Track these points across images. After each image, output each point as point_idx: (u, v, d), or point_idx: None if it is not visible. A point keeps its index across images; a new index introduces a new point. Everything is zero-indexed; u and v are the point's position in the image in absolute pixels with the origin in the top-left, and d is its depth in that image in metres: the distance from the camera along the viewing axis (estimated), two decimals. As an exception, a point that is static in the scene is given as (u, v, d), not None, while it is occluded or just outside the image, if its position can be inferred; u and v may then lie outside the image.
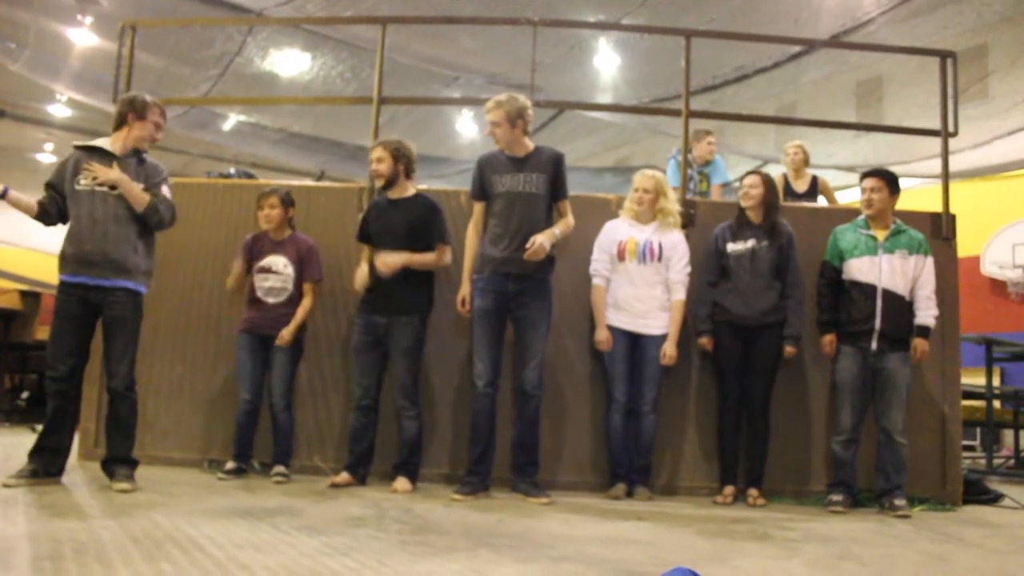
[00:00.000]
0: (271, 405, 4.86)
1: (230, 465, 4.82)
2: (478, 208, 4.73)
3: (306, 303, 4.96)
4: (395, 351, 4.69)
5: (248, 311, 4.97)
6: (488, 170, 4.67)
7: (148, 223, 4.25)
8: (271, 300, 4.92)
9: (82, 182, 4.19)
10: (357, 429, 4.77)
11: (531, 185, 4.61)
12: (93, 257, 4.11)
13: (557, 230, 4.60)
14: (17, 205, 4.25)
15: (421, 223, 4.76)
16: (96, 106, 11.46)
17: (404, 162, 4.82)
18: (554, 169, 4.67)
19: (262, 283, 4.94)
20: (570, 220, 4.71)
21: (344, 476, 4.71)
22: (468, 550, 3.02)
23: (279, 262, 4.95)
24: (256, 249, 5.01)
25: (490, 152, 4.80)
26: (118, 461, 4.18)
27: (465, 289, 4.65)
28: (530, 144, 4.71)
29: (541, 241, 4.43)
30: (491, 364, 4.56)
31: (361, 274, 4.78)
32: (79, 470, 4.66)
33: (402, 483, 4.60)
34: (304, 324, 4.97)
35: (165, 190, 4.31)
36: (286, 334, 4.84)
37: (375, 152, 4.82)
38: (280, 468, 4.78)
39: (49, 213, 4.28)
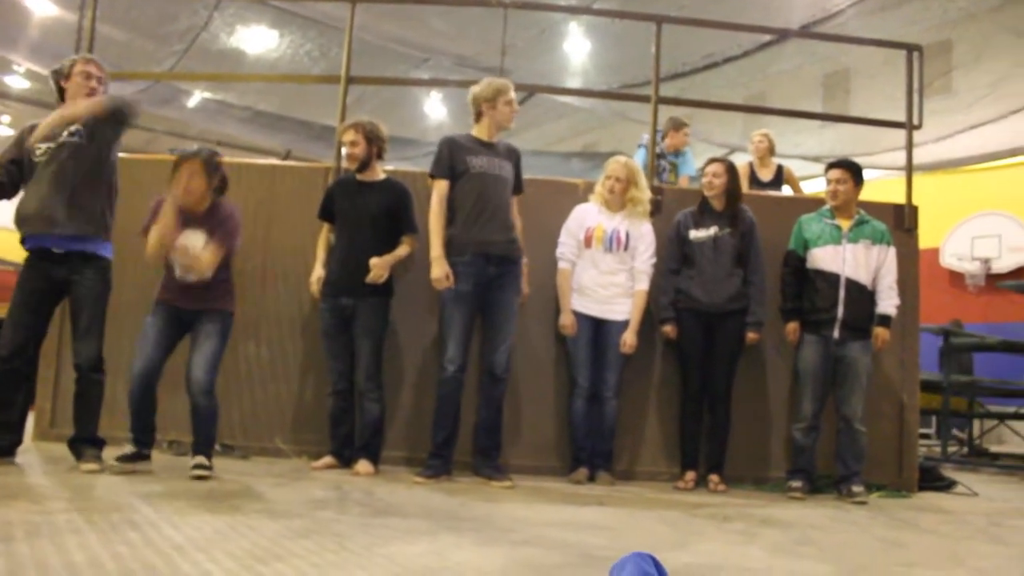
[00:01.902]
0: (188, 383, 4.11)
1: (127, 449, 4.17)
2: (443, 185, 4.57)
3: (206, 260, 4.07)
4: (361, 332, 4.66)
5: (165, 284, 4.24)
6: (459, 150, 4.60)
7: (119, 120, 4.13)
8: (190, 278, 4.15)
9: (38, 153, 4.09)
10: (337, 413, 4.75)
11: (504, 170, 4.62)
12: (56, 216, 4.01)
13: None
14: None
15: (394, 208, 4.73)
16: (56, 78, 11.22)
17: (377, 144, 4.79)
18: (516, 161, 4.73)
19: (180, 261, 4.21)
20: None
21: (327, 460, 4.70)
22: (429, 533, 3.01)
23: (197, 240, 4.12)
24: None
25: (456, 133, 4.78)
26: (85, 441, 4.10)
27: (444, 265, 4.46)
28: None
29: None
30: (463, 348, 4.53)
31: (316, 279, 4.79)
32: (33, 451, 4.58)
33: (364, 466, 4.58)
34: (233, 298, 4.32)
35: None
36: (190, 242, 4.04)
37: (348, 135, 4.76)
38: (200, 459, 4.08)
39: (3, 184, 4.16)
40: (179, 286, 4.16)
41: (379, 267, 4.58)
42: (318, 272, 4.82)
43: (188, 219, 4.14)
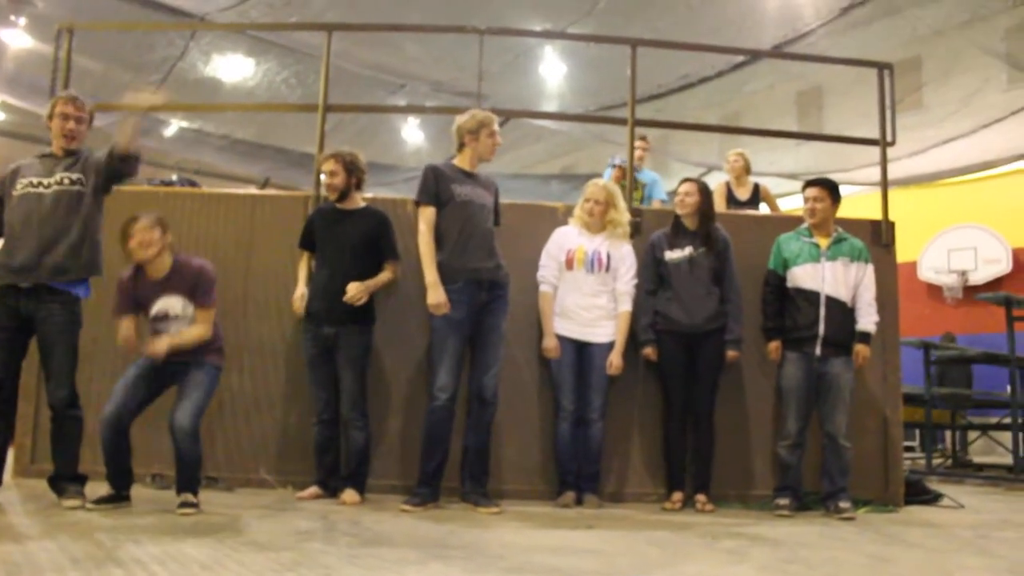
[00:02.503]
0: (172, 427, 3.94)
1: (102, 492, 4.02)
2: (430, 212, 4.56)
3: (196, 331, 4.05)
4: (343, 361, 4.64)
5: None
6: (444, 178, 4.62)
7: (128, 171, 4.16)
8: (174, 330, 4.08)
9: (18, 187, 4.08)
10: (322, 442, 4.72)
11: (486, 200, 4.66)
12: (28, 263, 3.98)
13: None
14: None
15: (374, 236, 4.74)
16: (31, 110, 11.16)
17: (356, 175, 4.79)
18: (495, 192, 4.78)
19: (163, 330, 4.08)
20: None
21: (313, 490, 4.67)
22: (419, 562, 2.99)
23: (175, 305, 4.08)
24: (139, 294, 4.12)
25: (440, 163, 4.80)
26: (66, 478, 4.05)
27: (440, 292, 4.42)
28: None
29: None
30: (455, 376, 4.49)
31: (299, 296, 4.79)
32: (14, 488, 4.51)
33: (350, 495, 4.54)
34: (222, 355, 4.25)
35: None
36: (159, 347, 3.95)
37: (328, 165, 4.76)
38: (187, 496, 3.96)
39: None
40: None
41: (357, 289, 4.57)
42: (301, 290, 4.82)
43: (159, 287, 4.09)
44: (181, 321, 4.09)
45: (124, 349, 4.13)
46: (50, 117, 4.19)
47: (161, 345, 3.97)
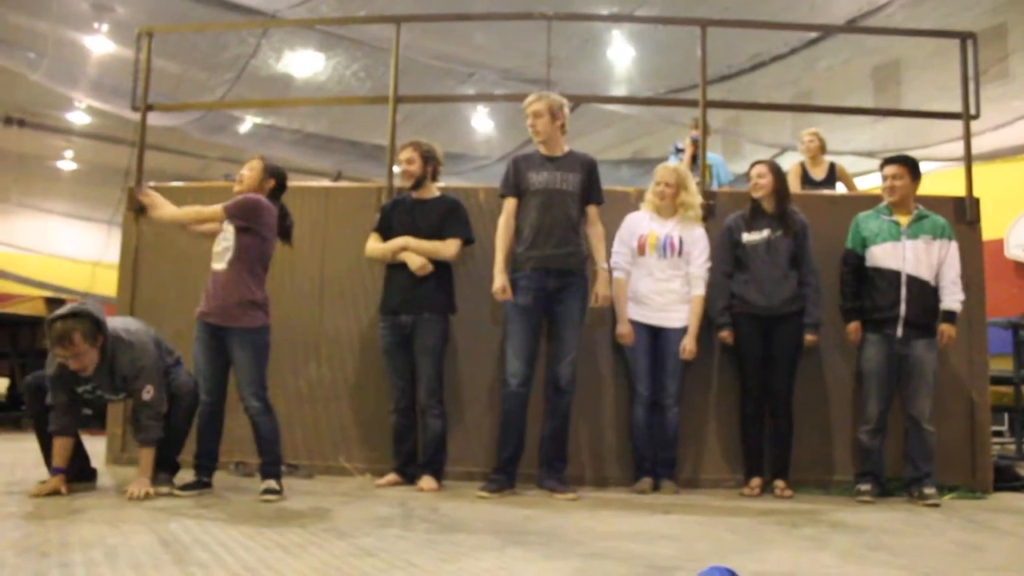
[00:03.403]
0: (246, 409, 4.17)
1: (188, 479, 4.20)
2: (511, 203, 4.68)
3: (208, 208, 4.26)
4: (420, 349, 4.70)
5: (203, 298, 4.26)
6: (524, 167, 4.67)
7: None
8: (218, 266, 4.21)
9: None
10: (400, 431, 4.80)
11: (567, 183, 4.63)
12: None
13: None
14: None
15: (447, 222, 4.80)
16: (114, 112, 11.56)
17: (433, 164, 4.88)
18: (588, 172, 4.70)
19: (216, 247, 4.27)
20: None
21: (391, 477, 4.75)
22: (496, 548, 3.01)
23: (228, 231, 4.23)
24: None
25: (524, 152, 4.84)
26: (158, 465, 4.18)
27: (503, 278, 4.54)
28: (566, 146, 4.74)
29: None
30: (527, 362, 4.54)
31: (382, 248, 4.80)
32: (107, 475, 4.69)
33: (428, 482, 4.61)
34: (259, 310, 4.22)
35: (148, 392, 4.04)
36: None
37: (405, 152, 4.84)
38: (270, 483, 4.10)
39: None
40: (207, 298, 4.20)
41: (417, 259, 4.66)
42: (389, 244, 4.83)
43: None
44: (224, 236, 4.22)
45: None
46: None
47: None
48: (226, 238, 4.21)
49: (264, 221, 4.24)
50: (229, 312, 4.15)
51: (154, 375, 4.06)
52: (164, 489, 4.07)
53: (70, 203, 18.63)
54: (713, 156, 7.28)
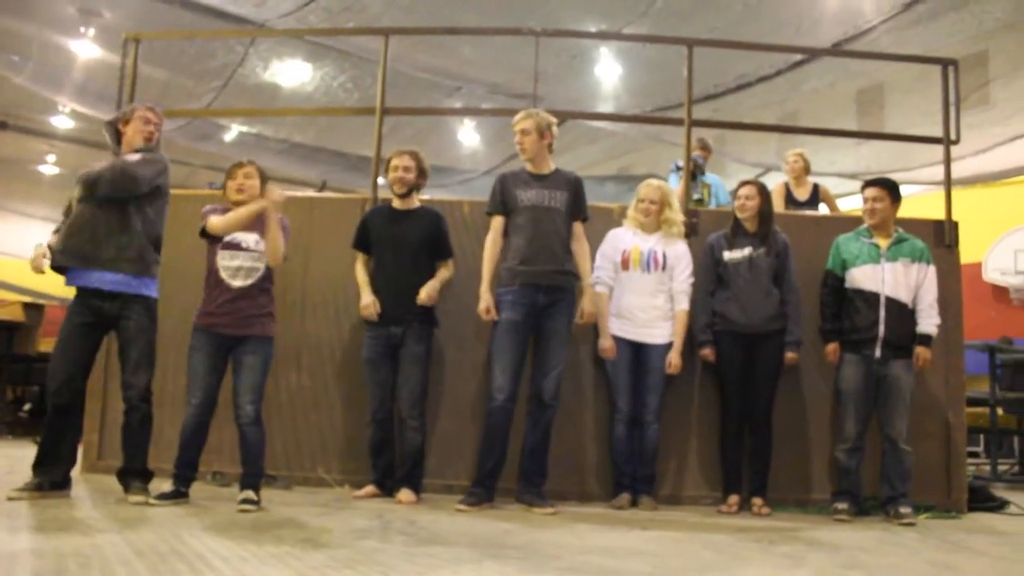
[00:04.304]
0: (237, 416, 4.16)
1: (166, 488, 4.15)
2: (498, 221, 4.70)
3: (270, 231, 4.22)
4: (408, 360, 4.70)
5: (206, 307, 4.24)
6: (511, 185, 4.70)
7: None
8: (237, 283, 4.20)
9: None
10: (377, 443, 4.77)
11: (555, 201, 4.65)
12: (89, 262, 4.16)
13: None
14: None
15: (434, 236, 4.83)
16: (99, 117, 11.49)
17: (424, 176, 4.91)
18: (574, 189, 4.73)
19: (228, 263, 4.23)
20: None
21: (370, 489, 4.73)
22: (474, 561, 3.01)
23: (249, 238, 4.25)
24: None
25: (511, 170, 4.87)
26: (133, 473, 4.17)
27: (488, 298, 4.58)
28: (552, 164, 4.77)
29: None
30: (513, 378, 4.54)
31: (368, 301, 4.78)
32: (82, 483, 4.66)
33: (407, 495, 4.59)
34: (273, 321, 4.33)
35: (133, 157, 4.27)
36: (275, 195, 4.25)
37: (403, 159, 4.84)
38: (249, 493, 4.09)
39: None
40: (220, 307, 4.20)
41: (432, 289, 4.70)
42: (370, 296, 4.79)
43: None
44: (249, 256, 4.23)
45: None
46: (126, 121, 4.36)
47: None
48: (251, 255, 4.23)
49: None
50: (247, 322, 4.21)
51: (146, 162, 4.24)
52: (139, 498, 4.03)
53: (52, 207, 18.51)
54: (712, 177, 7.33)
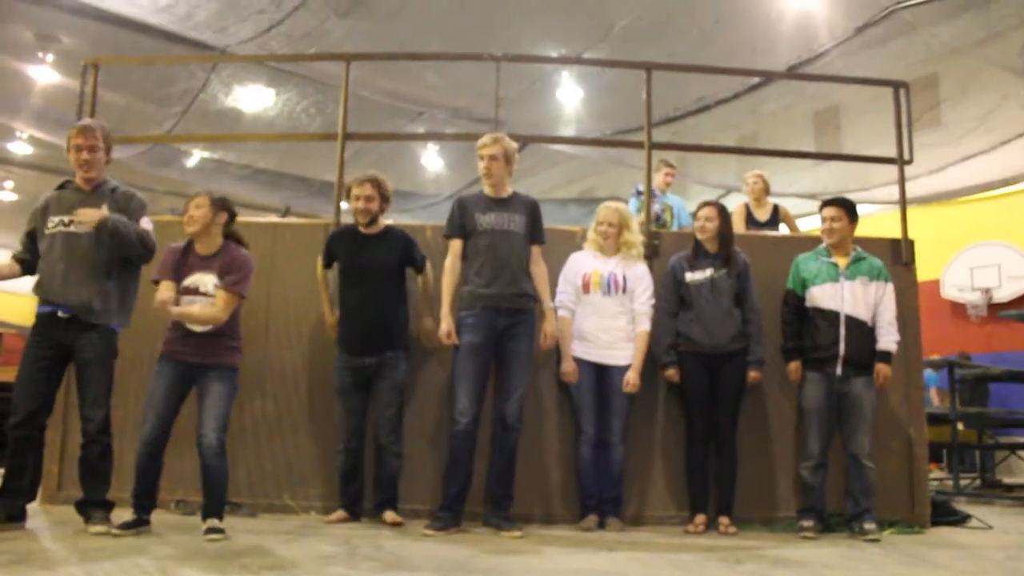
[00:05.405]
0: (200, 446, 4.03)
1: (127, 518, 4.05)
2: (456, 245, 4.71)
3: (210, 311, 4.10)
4: (385, 387, 4.70)
5: (171, 336, 4.19)
6: (470, 208, 4.71)
7: (131, 257, 4.22)
8: (198, 329, 4.14)
9: (50, 226, 4.17)
10: (349, 470, 4.74)
11: (514, 224, 4.68)
12: (60, 300, 4.11)
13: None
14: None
15: (405, 257, 4.86)
16: (58, 143, 11.34)
17: (387, 201, 4.92)
18: (532, 213, 4.77)
19: (188, 304, 4.17)
20: (543, 268, 4.81)
21: (340, 514, 4.70)
22: (441, 586, 2.99)
23: (208, 282, 4.16)
24: (181, 264, 4.22)
25: (469, 193, 4.91)
26: (94, 504, 4.09)
27: (449, 322, 4.58)
28: (509, 188, 4.81)
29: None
30: (475, 401, 4.54)
31: (333, 318, 4.84)
32: (41, 515, 4.56)
33: (393, 516, 4.64)
34: (238, 353, 4.29)
35: (145, 223, 4.24)
36: (172, 308, 4.03)
37: (364, 189, 4.81)
38: (214, 522, 3.99)
39: (31, 264, 4.30)
40: (185, 338, 4.15)
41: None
42: (335, 316, 4.87)
43: (201, 262, 4.20)
44: (208, 301, 4.15)
45: (157, 309, 4.03)
46: (68, 150, 4.29)
47: (173, 310, 4.05)
48: (210, 300, 4.13)
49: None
50: (213, 351, 4.15)
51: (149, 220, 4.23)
52: (100, 528, 3.95)
53: (9, 235, 18.18)
54: (674, 198, 7.42)
